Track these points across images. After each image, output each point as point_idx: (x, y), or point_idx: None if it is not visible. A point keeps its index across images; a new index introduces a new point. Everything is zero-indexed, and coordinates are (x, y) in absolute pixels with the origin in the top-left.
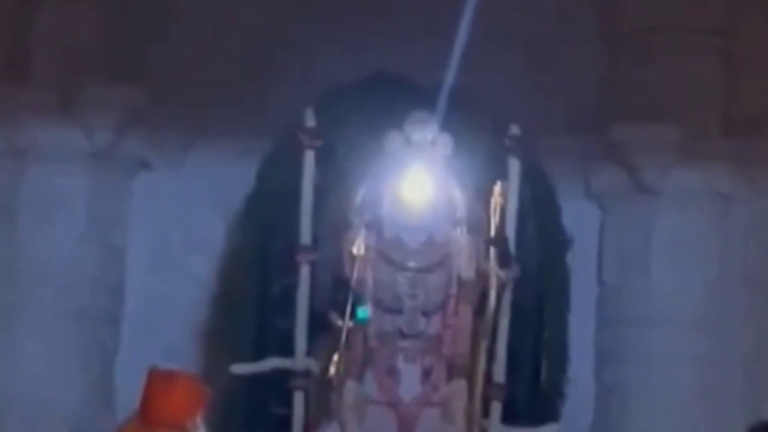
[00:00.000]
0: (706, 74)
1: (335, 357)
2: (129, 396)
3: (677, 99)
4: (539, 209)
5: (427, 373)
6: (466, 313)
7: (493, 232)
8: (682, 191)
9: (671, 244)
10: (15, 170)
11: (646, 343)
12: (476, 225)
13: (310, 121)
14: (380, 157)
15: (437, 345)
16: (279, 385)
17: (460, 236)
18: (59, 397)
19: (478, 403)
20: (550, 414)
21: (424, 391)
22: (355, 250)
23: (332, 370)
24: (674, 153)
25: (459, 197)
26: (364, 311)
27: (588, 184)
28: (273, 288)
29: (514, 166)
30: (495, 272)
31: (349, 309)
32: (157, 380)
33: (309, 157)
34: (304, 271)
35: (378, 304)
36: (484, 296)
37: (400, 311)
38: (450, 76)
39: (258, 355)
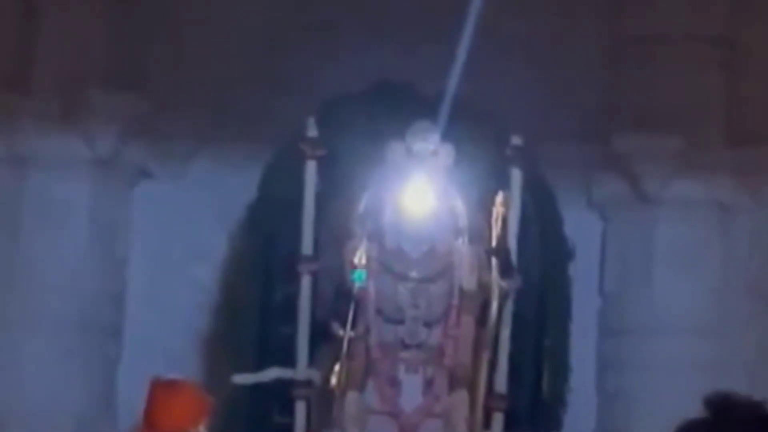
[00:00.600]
0: (709, 84)
1: (337, 367)
2: (132, 405)
3: (679, 109)
4: (541, 219)
5: (428, 384)
6: (468, 323)
7: (494, 243)
8: (684, 201)
9: (673, 253)
10: (17, 178)
11: (648, 352)
12: (478, 235)
13: (312, 131)
14: (382, 167)
15: (439, 355)
16: (281, 394)
17: (462, 246)
18: (62, 406)
19: (479, 414)
20: (553, 423)
21: (426, 402)
22: (356, 260)
23: (334, 380)
24: (676, 163)
25: (460, 207)
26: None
27: (590, 194)
28: (275, 297)
29: (516, 176)
30: (497, 282)
31: (350, 317)
32: (159, 389)
33: (311, 167)
34: (306, 281)
35: (379, 314)
36: (485, 306)
37: (401, 321)
38: (452, 86)
39: (260, 364)
